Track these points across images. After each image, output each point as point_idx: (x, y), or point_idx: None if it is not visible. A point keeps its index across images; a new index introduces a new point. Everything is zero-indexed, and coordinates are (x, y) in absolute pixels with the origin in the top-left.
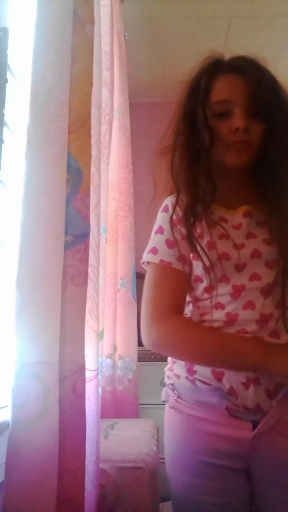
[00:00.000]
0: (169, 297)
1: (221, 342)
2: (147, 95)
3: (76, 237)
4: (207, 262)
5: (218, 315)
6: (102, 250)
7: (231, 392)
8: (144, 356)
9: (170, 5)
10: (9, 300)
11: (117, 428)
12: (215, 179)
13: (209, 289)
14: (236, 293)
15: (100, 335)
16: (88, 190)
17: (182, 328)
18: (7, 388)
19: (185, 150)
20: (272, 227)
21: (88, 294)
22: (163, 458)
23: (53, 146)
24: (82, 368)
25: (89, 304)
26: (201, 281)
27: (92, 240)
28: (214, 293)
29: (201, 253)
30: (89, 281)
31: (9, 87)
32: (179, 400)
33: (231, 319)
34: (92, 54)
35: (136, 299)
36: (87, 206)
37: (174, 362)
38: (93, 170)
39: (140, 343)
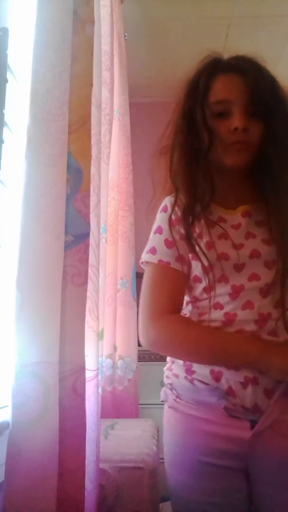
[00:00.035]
0: (167, 297)
1: (218, 340)
2: (147, 95)
3: (76, 237)
4: (205, 263)
5: (217, 315)
6: (102, 250)
7: (229, 392)
8: (144, 356)
9: (170, 5)
10: (9, 300)
11: (117, 428)
12: (214, 179)
13: (208, 289)
14: (235, 293)
15: (100, 335)
16: (88, 190)
17: (180, 326)
18: (7, 388)
19: (184, 149)
20: (272, 227)
21: (88, 294)
22: (163, 458)
23: (53, 146)
24: (82, 368)
25: (89, 304)
26: (200, 281)
27: (92, 240)
28: (213, 293)
29: (199, 253)
30: (89, 281)
31: (9, 87)
32: (177, 400)
33: (229, 319)
34: (92, 54)
35: (136, 299)
36: (87, 206)
37: (173, 362)
38: (93, 170)
39: (140, 343)
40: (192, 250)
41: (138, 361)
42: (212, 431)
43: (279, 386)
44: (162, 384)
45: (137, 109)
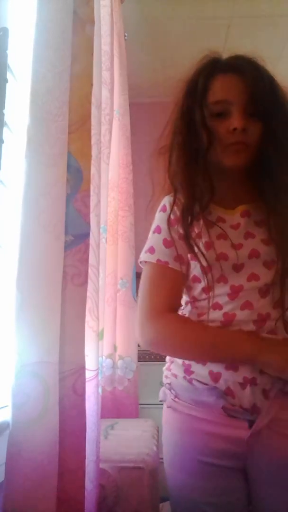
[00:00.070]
0: (165, 296)
1: (216, 337)
2: (147, 95)
3: (76, 237)
4: (204, 263)
5: (216, 316)
6: (102, 250)
7: (228, 392)
8: (144, 356)
9: (170, 5)
10: (9, 300)
11: (117, 428)
12: (213, 179)
13: (207, 289)
14: (234, 293)
15: (100, 335)
16: (88, 190)
17: (178, 325)
18: (7, 388)
19: (183, 150)
20: (271, 227)
21: (88, 294)
22: (163, 458)
23: (53, 146)
24: (82, 368)
25: (89, 304)
26: (199, 281)
27: (92, 240)
28: (211, 293)
29: (198, 254)
30: (89, 281)
31: (9, 87)
32: (176, 399)
33: (228, 320)
34: (92, 54)
35: (136, 299)
36: (87, 206)
37: (172, 362)
38: (93, 170)
39: None
40: (191, 250)
41: (138, 361)
42: (211, 431)
43: (276, 382)
44: (161, 384)
45: (137, 109)
